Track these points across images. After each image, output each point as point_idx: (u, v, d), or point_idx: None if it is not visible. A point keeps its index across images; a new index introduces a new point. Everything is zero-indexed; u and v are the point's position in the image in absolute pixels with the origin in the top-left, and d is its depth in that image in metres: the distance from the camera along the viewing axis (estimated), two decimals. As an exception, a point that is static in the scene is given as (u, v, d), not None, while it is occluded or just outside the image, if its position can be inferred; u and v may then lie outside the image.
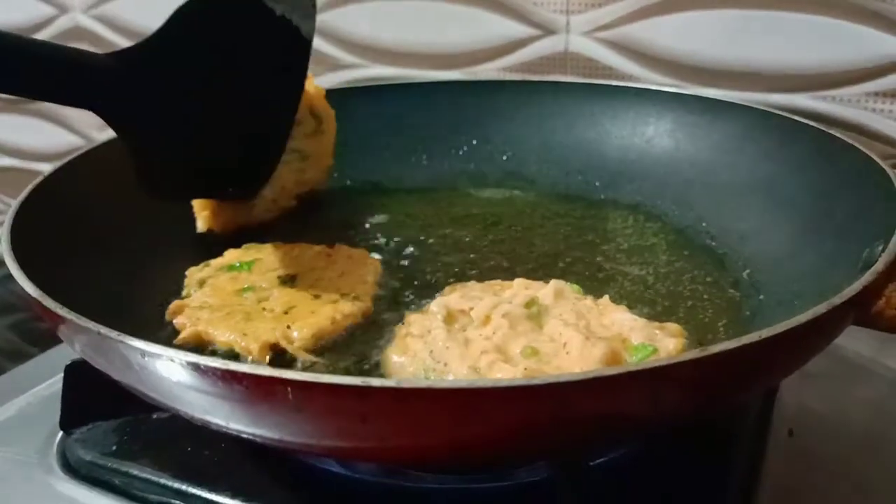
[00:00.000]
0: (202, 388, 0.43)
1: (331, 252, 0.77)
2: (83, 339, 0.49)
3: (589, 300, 0.65)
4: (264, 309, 0.67)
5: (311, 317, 0.66)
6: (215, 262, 0.76)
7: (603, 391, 0.40)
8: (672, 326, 0.62)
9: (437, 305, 0.64)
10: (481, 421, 0.41)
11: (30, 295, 0.53)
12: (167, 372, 0.44)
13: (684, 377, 0.42)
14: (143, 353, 0.44)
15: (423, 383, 0.40)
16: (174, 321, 0.68)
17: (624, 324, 0.61)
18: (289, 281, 0.72)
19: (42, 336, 0.74)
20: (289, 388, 0.40)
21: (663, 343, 0.59)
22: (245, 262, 0.75)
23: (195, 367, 0.42)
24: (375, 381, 0.39)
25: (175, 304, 0.70)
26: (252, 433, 0.46)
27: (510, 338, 0.59)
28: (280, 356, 0.64)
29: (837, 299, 0.47)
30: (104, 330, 0.46)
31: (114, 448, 0.64)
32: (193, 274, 0.75)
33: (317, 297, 0.69)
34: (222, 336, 0.65)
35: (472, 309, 0.63)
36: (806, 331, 0.45)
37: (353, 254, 0.77)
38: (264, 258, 0.76)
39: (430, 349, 0.60)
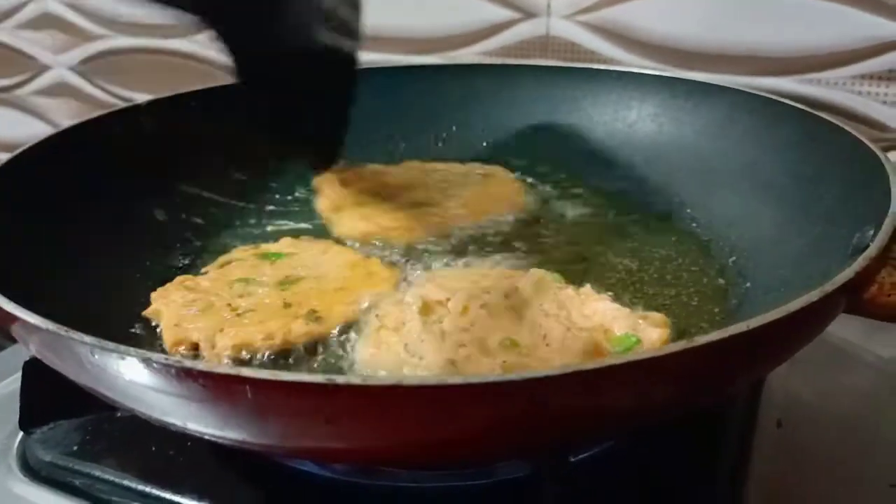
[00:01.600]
0: (157, 386, 0.41)
1: (357, 263, 0.72)
2: (35, 338, 0.47)
3: (570, 290, 0.63)
4: (229, 305, 0.65)
5: (252, 325, 0.62)
6: (264, 247, 0.75)
7: (584, 386, 0.38)
8: (656, 316, 0.60)
9: (412, 296, 0.62)
10: (455, 420, 0.39)
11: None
12: (120, 370, 0.41)
13: (670, 370, 0.39)
14: (94, 350, 0.41)
15: (391, 380, 0.37)
16: (153, 295, 0.67)
17: (606, 314, 0.59)
18: (292, 282, 0.68)
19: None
20: (248, 387, 0.38)
21: (646, 333, 0.56)
22: (273, 253, 0.73)
23: (148, 364, 0.39)
24: (340, 379, 0.37)
25: (177, 279, 0.69)
26: (212, 434, 0.43)
27: (489, 330, 0.57)
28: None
29: (830, 286, 0.44)
30: (54, 327, 0.43)
31: (75, 448, 0.61)
32: (234, 252, 0.74)
33: (286, 306, 0.65)
34: (165, 319, 0.63)
35: (448, 300, 0.60)
36: (797, 319, 0.43)
37: (375, 270, 0.70)
38: (300, 254, 0.73)
39: (404, 342, 0.57)
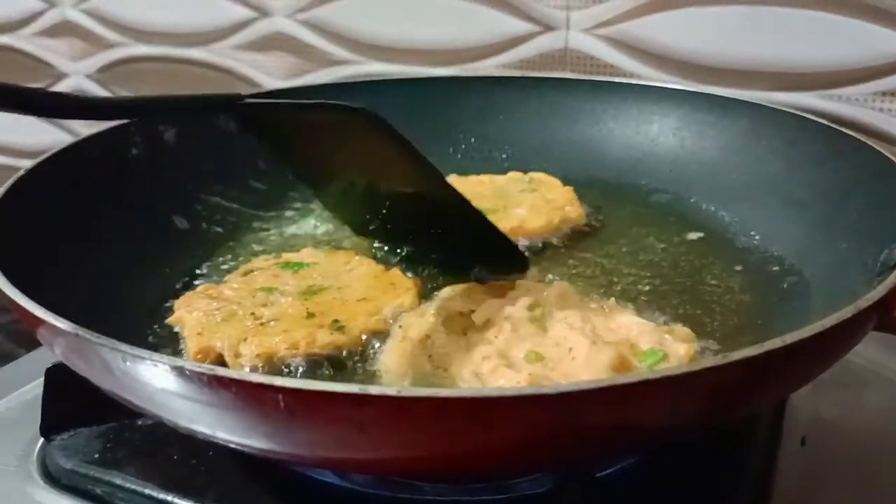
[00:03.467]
0: (187, 394, 0.40)
1: (379, 274, 0.71)
2: (62, 342, 0.47)
3: (594, 303, 0.63)
4: (252, 314, 0.64)
5: (277, 335, 0.61)
6: (286, 256, 0.75)
7: (619, 401, 0.38)
8: (681, 330, 0.59)
9: (436, 308, 0.62)
10: (486, 432, 0.38)
11: (6, 294, 0.50)
12: (150, 377, 0.41)
13: (705, 385, 0.39)
14: (125, 357, 0.41)
15: (424, 392, 0.37)
16: (176, 302, 0.67)
17: (631, 328, 0.59)
18: (315, 292, 0.68)
19: (30, 337, 0.72)
20: (280, 396, 0.38)
21: (673, 348, 0.56)
22: (295, 263, 0.73)
23: (180, 372, 0.39)
24: (374, 389, 0.37)
25: (202, 287, 0.69)
26: (240, 443, 0.43)
27: (513, 342, 0.56)
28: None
29: (863, 303, 0.44)
30: (83, 332, 0.43)
31: (97, 456, 0.61)
32: (256, 261, 0.74)
33: (310, 316, 0.64)
34: (188, 327, 0.64)
35: (473, 312, 0.60)
36: (831, 336, 0.42)
37: (397, 281, 0.70)
38: (322, 265, 0.73)
39: (429, 353, 0.57)
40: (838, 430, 0.65)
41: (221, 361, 0.61)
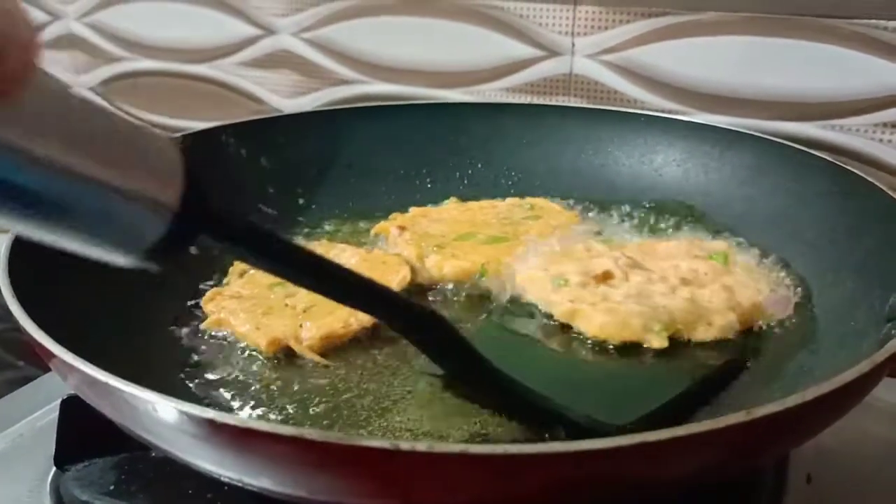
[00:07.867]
0: (218, 445, 0.41)
1: (366, 256, 0.77)
2: (80, 376, 0.46)
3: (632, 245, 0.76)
4: (286, 305, 0.68)
5: (327, 317, 0.67)
6: None
7: (645, 455, 0.39)
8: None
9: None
10: (515, 485, 0.39)
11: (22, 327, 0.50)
12: (183, 426, 0.41)
13: (728, 440, 0.40)
14: (155, 407, 0.42)
15: (456, 448, 0.38)
16: (205, 307, 0.71)
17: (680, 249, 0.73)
18: None
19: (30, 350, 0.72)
20: (315, 449, 0.38)
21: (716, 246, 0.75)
22: None
23: (211, 424, 0.40)
24: (404, 445, 0.37)
25: (211, 292, 0.73)
26: (270, 491, 0.44)
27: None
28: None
29: (879, 356, 0.45)
30: (123, 385, 0.43)
31: (112, 487, 0.60)
32: (239, 264, 0.76)
33: None
34: (240, 326, 0.67)
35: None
36: (848, 389, 0.43)
37: (388, 259, 0.77)
38: None
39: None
40: (844, 467, 0.66)
41: (288, 349, 0.66)
